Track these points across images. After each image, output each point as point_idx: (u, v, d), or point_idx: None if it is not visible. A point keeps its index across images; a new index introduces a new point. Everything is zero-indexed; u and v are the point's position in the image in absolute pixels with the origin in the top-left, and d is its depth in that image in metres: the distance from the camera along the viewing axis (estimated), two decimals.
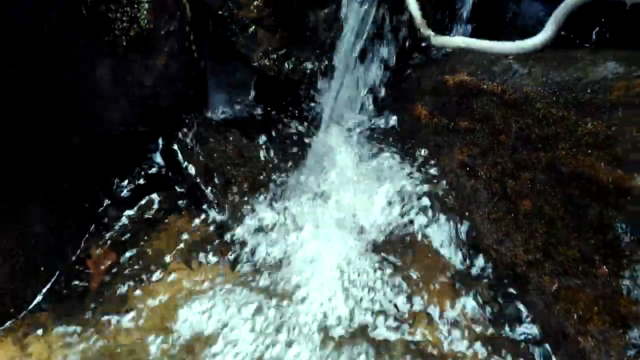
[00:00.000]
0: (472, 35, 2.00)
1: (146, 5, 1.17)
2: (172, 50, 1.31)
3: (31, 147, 1.19)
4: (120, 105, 1.31)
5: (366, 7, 1.65)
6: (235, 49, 1.76)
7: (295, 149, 1.90)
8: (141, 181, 1.69)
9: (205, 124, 1.75)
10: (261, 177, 1.73)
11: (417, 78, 1.97)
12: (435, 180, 1.78)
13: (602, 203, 1.25)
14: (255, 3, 1.65)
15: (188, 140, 1.69)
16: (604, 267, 1.24)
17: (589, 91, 1.32)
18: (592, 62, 1.40)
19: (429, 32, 1.03)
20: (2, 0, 0.89)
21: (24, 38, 1.00)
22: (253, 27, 1.70)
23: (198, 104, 1.76)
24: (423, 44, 2.07)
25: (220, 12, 1.65)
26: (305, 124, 2.00)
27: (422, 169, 1.83)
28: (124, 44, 1.19)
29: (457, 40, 0.90)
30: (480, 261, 1.59)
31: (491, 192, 1.58)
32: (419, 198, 1.73)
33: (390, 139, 1.99)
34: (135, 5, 1.14)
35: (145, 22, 1.18)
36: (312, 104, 2.05)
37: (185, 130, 1.69)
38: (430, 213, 1.70)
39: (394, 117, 2.06)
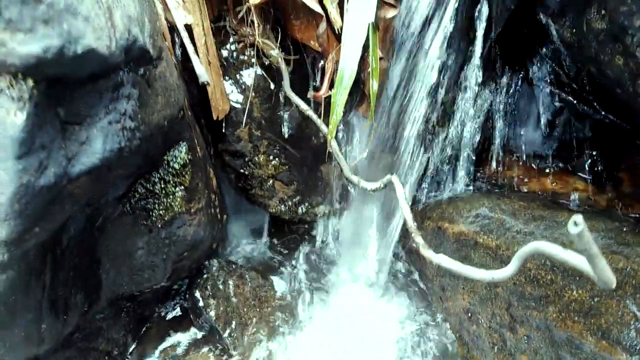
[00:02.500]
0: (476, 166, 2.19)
1: (180, 193, 1.38)
2: (199, 221, 1.50)
3: (81, 314, 1.36)
4: (152, 270, 1.48)
5: None
6: (254, 199, 1.96)
7: (308, 287, 2.03)
8: (165, 326, 1.82)
9: (225, 268, 1.91)
10: (276, 318, 1.86)
11: (422, 216, 2.13)
12: (439, 322, 1.88)
13: None
14: (273, 163, 1.87)
15: (208, 286, 1.84)
16: None
17: None
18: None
19: (420, 241, 1.19)
20: (62, 219, 1.09)
21: (79, 233, 1.20)
22: (271, 181, 1.91)
23: (218, 249, 1.94)
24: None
25: (242, 171, 1.87)
26: (317, 260, 2.15)
27: (426, 309, 1.94)
28: (159, 225, 1.39)
29: (441, 258, 1.06)
30: None
31: (492, 342, 1.67)
32: (423, 340, 1.83)
33: (398, 275, 2.11)
34: (171, 197, 1.35)
35: (179, 207, 1.39)
36: (325, 242, 2.22)
37: (205, 276, 1.85)
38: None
39: (402, 253, 2.20)
